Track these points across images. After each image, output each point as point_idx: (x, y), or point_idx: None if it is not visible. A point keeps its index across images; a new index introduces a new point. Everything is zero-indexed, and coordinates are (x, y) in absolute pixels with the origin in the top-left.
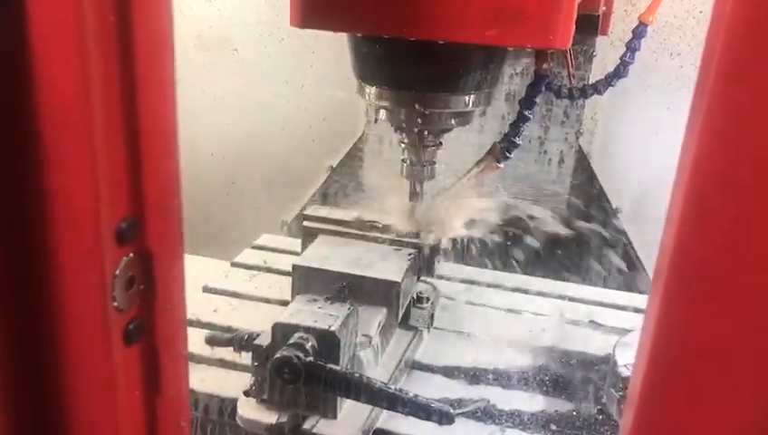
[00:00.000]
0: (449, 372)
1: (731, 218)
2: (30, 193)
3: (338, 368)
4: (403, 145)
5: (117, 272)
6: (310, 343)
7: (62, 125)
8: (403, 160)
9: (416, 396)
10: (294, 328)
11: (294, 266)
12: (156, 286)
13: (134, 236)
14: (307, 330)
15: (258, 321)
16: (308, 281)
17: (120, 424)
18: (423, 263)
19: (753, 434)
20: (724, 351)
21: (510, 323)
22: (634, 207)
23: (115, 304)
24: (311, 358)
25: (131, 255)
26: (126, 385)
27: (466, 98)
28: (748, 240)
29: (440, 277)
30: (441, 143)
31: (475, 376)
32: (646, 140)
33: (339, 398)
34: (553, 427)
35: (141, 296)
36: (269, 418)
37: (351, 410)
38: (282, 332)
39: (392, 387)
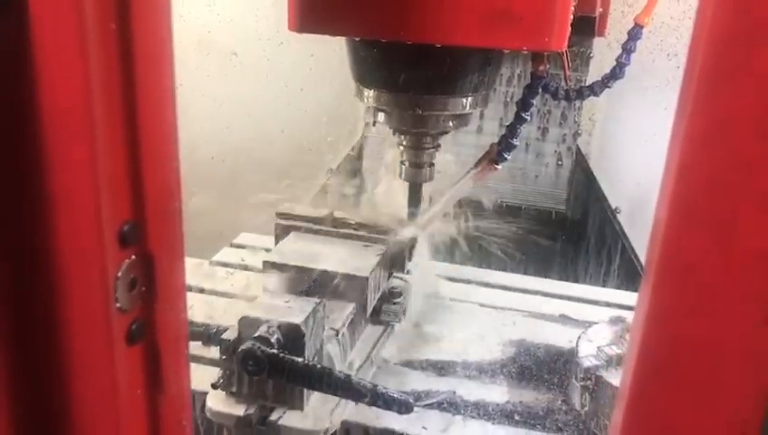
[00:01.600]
0: (418, 365)
1: (716, 220)
2: (33, 197)
3: (300, 360)
4: (401, 147)
5: (119, 274)
6: (275, 337)
7: (65, 131)
8: (402, 163)
9: (375, 386)
10: (260, 322)
11: (265, 262)
12: (157, 288)
13: (136, 238)
14: (272, 323)
15: (231, 317)
16: (278, 276)
17: (123, 422)
18: (395, 259)
19: (740, 429)
20: (710, 348)
21: (481, 317)
22: (633, 206)
23: (118, 304)
24: (274, 350)
25: (133, 257)
26: (128, 384)
27: (464, 100)
28: (733, 241)
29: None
30: (439, 145)
31: (442, 369)
32: (644, 140)
33: (305, 390)
34: (517, 417)
35: (143, 297)
36: (237, 410)
37: (318, 403)
38: (248, 325)
39: (353, 378)
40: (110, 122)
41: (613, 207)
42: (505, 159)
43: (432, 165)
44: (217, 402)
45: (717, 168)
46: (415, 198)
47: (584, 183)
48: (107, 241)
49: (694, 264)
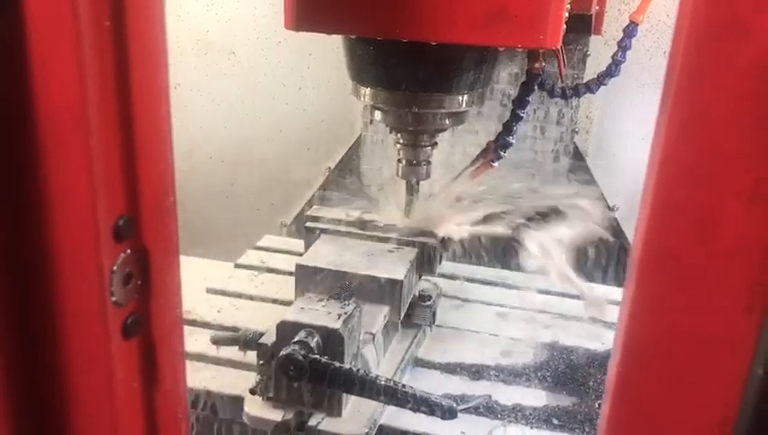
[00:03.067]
0: (452, 368)
1: (697, 211)
2: (29, 192)
3: (342, 365)
4: (399, 145)
5: (114, 268)
6: (314, 341)
7: (61, 127)
8: (399, 160)
9: (419, 391)
10: (299, 326)
11: (297, 266)
12: (152, 282)
13: (131, 233)
14: (311, 328)
15: (260, 320)
16: (311, 280)
17: (120, 416)
18: (425, 262)
19: (723, 413)
20: (694, 337)
21: (510, 319)
22: (631, 204)
23: (113, 298)
24: (315, 355)
25: (128, 251)
26: (124, 378)
27: (460, 98)
28: (713, 231)
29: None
30: (436, 143)
31: (477, 372)
32: (641, 137)
33: (343, 395)
34: (555, 421)
35: (139, 292)
36: (275, 415)
37: (356, 408)
38: (286, 330)
39: (396, 383)
40: (105, 119)
41: (610, 205)
42: (502, 156)
43: (429, 163)
44: (255, 408)
45: (697, 160)
46: (411, 196)
47: (581, 181)
48: (102, 235)
49: (676, 254)
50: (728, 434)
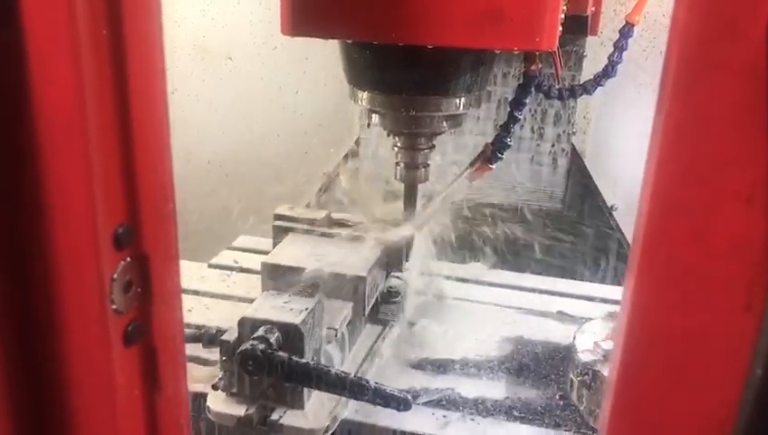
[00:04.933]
0: (417, 363)
1: (694, 212)
2: (29, 201)
3: (299, 359)
4: (396, 148)
5: (115, 276)
6: (274, 337)
7: (60, 136)
8: (397, 163)
9: (375, 384)
10: (259, 322)
11: (263, 264)
12: (153, 289)
13: (131, 241)
14: (272, 324)
15: (229, 319)
16: (276, 277)
17: (121, 423)
18: (392, 258)
19: (725, 413)
20: (693, 336)
21: (478, 314)
22: (629, 204)
23: (114, 306)
24: (273, 350)
25: (128, 259)
26: (126, 385)
27: (457, 100)
28: (711, 232)
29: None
30: (434, 146)
31: (440, 366)
32: (639, 137)
33: (306, 390)
34: (516, 413)
35: (139, 299)
36: (238, 410)
37: (318, 402)
38: (247, 326)
39: (352, 376)
40: (104, 127)
41: (609, 205)
42: (500, 158)
43: (427, 165)
44: (218, 403)
45: (694, 161)
46: (410, 198)
47: (580, 182)
48: (102, 244)
49: (674, 255)
50: (728, 433)
